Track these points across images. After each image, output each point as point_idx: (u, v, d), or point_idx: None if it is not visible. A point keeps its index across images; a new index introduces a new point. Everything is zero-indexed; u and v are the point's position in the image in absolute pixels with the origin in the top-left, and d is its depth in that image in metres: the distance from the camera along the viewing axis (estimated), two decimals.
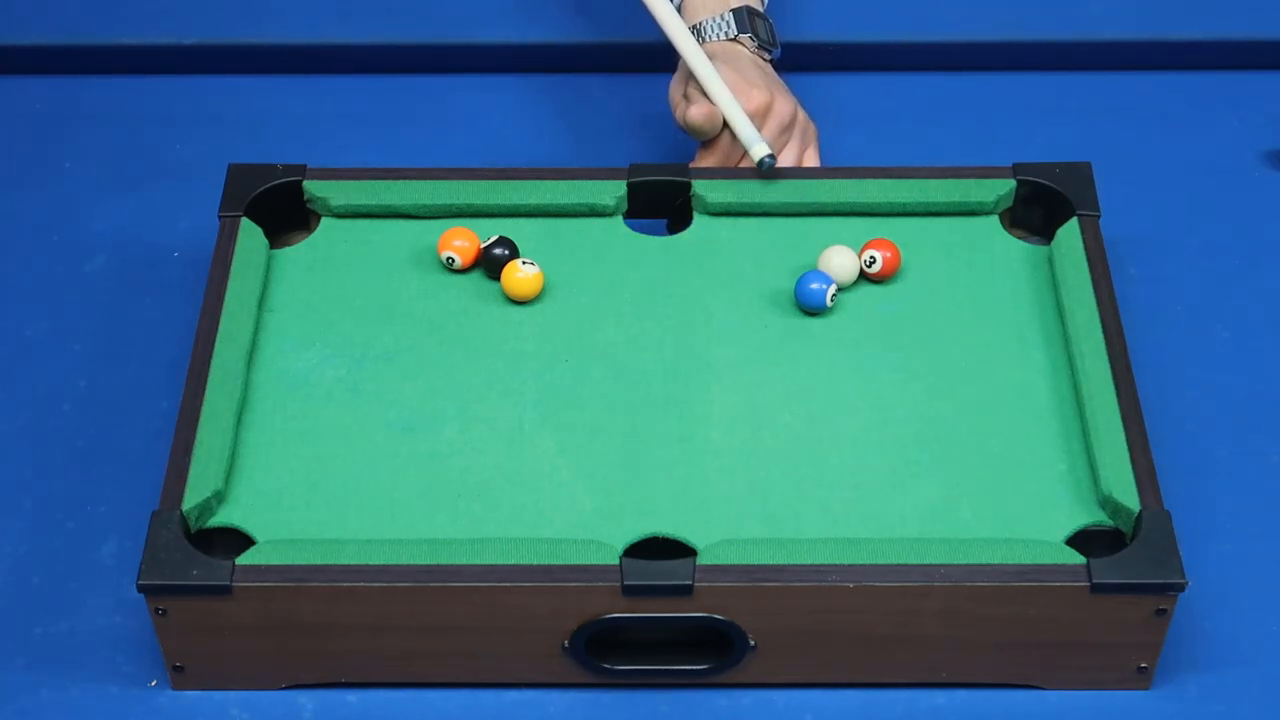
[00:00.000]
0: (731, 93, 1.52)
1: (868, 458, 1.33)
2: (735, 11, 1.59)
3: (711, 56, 1.55)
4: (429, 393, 1.37)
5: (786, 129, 1.55)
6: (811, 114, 1.59)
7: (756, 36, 1.59)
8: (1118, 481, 1.29)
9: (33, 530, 1.40)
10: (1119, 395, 1.34)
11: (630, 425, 1.35)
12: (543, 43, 1.75)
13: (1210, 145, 1.70)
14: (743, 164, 1.54)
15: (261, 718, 1.29)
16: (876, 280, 1.44)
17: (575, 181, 1.50)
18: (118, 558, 1.37)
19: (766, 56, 1.60)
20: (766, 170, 1.48)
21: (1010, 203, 1.50)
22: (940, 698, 1.30)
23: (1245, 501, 1.42)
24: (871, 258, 1.43)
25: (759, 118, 1.52)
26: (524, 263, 1.42)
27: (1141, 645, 1.27)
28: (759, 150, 1.48)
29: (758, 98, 1.53)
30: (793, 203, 1.49)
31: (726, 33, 1.58)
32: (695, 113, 1.52)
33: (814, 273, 1.41)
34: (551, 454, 1.33)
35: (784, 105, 1.55)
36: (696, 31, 1.57)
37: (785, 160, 1.55)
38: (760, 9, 1.62)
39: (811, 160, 1.57)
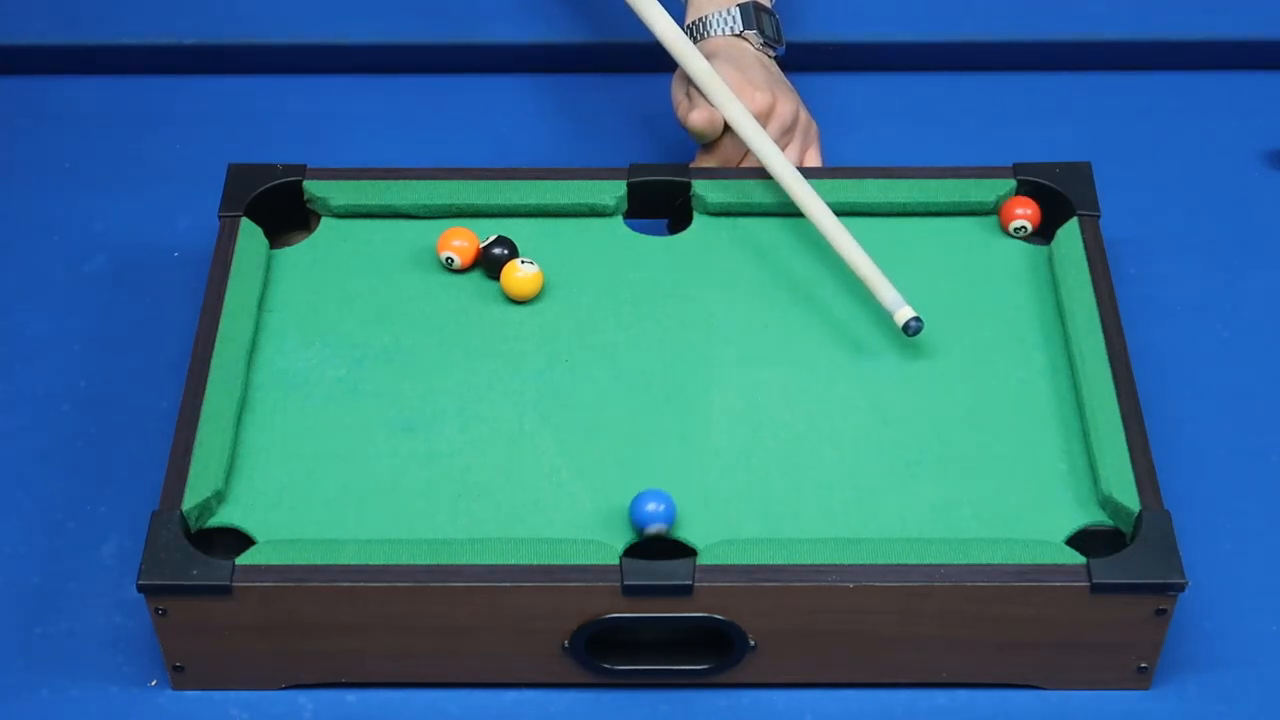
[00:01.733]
0: (735, 93, 1.51)
1: (868, 458, 1.33)
2: (741, 6, 1.58)
3: (714, 53, 1.55)
4: (429, 393, 1.37)
5: (789, 130, 1.54)
6: (812, 114, 1.58)
7: (762, 33, 1.58)
8: (1118, 481, 1.29)
9: (33, 530, 1.40)
10: (1119, 395, 1.34)
11: (630, 425, 1.35)
12: (543, 43, 1.75)
13: (1210, 145, 1.70)
14: (745, 163, 1.54)
15: (261, 718, 1.29)
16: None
17: (575, 181, 1.50)
18: (118, 558, 1.37)
19: (771, 53, 1.59)
20: (913, 333, 1.39)
21: None
22: (940, 698, 1.30)
23: (1245, 501, 1.42)
24: (1020, 227, 1.46)
25: (762, 118, 1.52)
26: (523, 262, 1.42)
27: (1141, 645, 1.27)
28: (903, 315, 1.38)
29: (760, 100, 1.53)
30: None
31: (732, 28, 1.57)
32: (696, 118, 1.51)
33: (652, 493, 1.29)
34: (551, 454, 1.33)
35: (786, 106, 1.54)
36: (701, 24, 1.57)
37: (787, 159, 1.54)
38: (767, 4, 1.61)
39: (813, 160, 1.57)
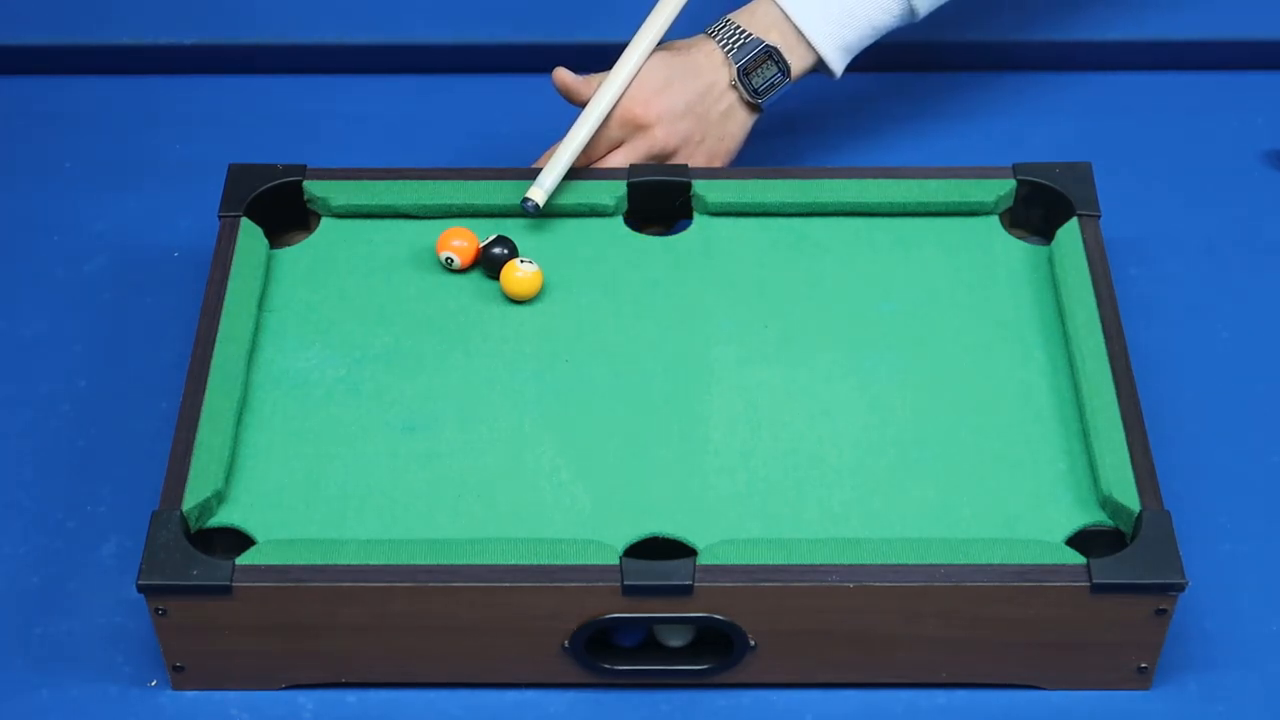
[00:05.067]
0: (624, 87, 1.48)
1: (868, 458, 1.33)
2: (763, 44, 1.50)
3: (679, 50, 1.51)
4: (429, 393, 1.37)
5: (654, 159, 1.50)
6: (811, 113, 1.58)
7: (747, 77, 1.50)
8: (1118, 481, 1.29)
9: (33, 530, 1.40)
10: (1119, 395, 1.34)
11: (630, 425, 1.35)
12: (543, 43, 1.75)
13: (1210, 145, 1.70)
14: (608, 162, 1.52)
15: (261, 718, 1.29)
16: None
17: (575, 181, 1.50)
18: (118, 558, 1.37)
19: (745, 98, 1.51)
20: (529, 211, 1.46)
21: (1010, 203, 1.50)
22: (940, 698, 1.30)
23: (1245, 501, 1.42)
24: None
25: (617, 125, 1.49)
26: (523, 262, 1.42)
27: (1141, 645, 1.27)
28: (531, 190, 1.45)
29: (636, 113, 1.49)
30: (793, 203, 1.49)
31: (726, 49, 1.50)
32: (560, 73, 1.51)
33: None
34: (551, 454, 1.33)
35: (666, 135, 1.50)
36: (723, 24, 1.51)
37: None
38: (799, 64, 1.51)
39: None
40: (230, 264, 1.43)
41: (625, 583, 1.23)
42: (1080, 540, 1.28)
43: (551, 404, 1.37)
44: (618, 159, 1.51)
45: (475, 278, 1.45)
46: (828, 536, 1.27)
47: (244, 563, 1.25)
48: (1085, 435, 1.33)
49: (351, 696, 1.30)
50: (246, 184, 1.49)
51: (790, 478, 1.32)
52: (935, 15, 1.56)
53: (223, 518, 1.29)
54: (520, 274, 1.42)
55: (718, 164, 1.53)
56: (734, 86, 1.51)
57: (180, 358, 1.40)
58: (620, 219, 1.50)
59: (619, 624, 1.26)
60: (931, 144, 1.69)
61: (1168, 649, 1.29)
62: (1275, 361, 1.51)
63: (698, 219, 1.50)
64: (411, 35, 1.77)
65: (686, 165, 1.51)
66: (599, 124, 1.49)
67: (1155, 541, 1.25)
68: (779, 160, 1.64)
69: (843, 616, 1.25)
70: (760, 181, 1.50)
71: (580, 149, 1.48)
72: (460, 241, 1.44)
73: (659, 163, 1.51)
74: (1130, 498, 1.28)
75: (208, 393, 1.34)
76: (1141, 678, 1.29)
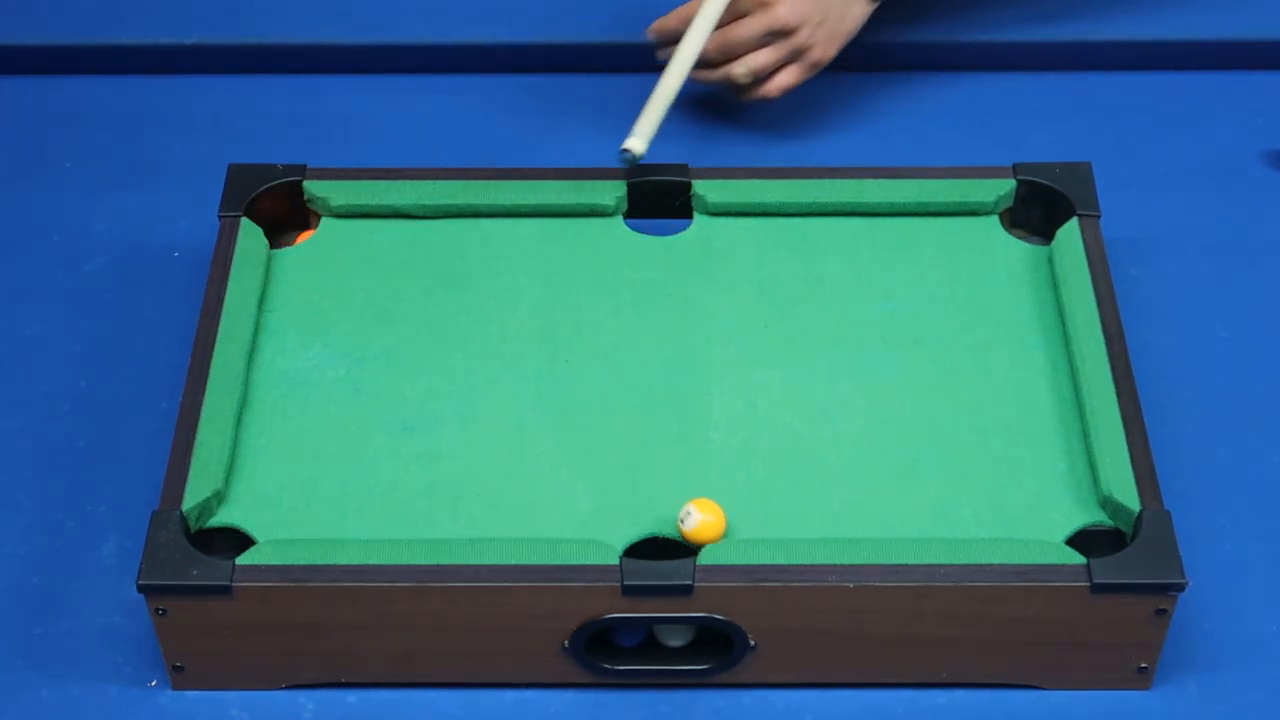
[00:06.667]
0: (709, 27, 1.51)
1: (868, 458, 1.33)
2: None
3: None
4: (429, 393, 1.37)
5: (774, 34, 1.53)
6: (811, 113, 1.58)
7: None
8: (1118, 481, 1.29)
9: (33, 530, 1.40)
10: (1119, 395, 1.34)
11: (630, 425, 1.35)
12: (542, 43, 1.75)
13: (1210, 145, 1.70)
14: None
15: (261, 718, 1.29)
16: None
17: (575, 181, 1.50)
18: (118, 558, 1.37)
19: None
20: (628, 163, 1.48)
21: (1010, 203, 1.50)
22: (940, 698, 1.30)
23: (1245, 501, 1.41)
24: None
25: (752, 3, 1.53)
26: (700, 512, 1.29)
27: (1141, 645, 1.27)
28: (629, 142, 1.47)
29: None
30: (793, 203, 1.49)
31: None
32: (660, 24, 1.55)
33: None
34: (551, 454, 1.33)
35: (788, 12, 1.54)
36: None
37: (751, 64, 1.55)
38: None
39: (785, 79, 1.57)
40: (230, 264, 1.43)
41: (625, 583, 1.23)
42: (1080, 540, 1.28)
43: (551, 404, 1.37)
44: (740, 31, 1.54)
45: (475, 279, 1.45)
46: (828, 536, 1.27)
47: (244, 563, 1.25)
48: (1085, 435, 1.33)
49: (351, 696, 1.30)
50: (246, 184, 1.49)
51: (790, 478, 1.32)
52: None
53: (223, 518, 1.29)
54: (704, 522, 1.29)
55: (834, 47, 1.56)
56: None
57: (180, 358, 1.40)
58: (620, 219, 1.50)
59: (619, 624, 1.26)
60: (931, 144, 1.69)
61: (1168, 649, 1.29)
62: (1275, 361, 1.51)
63: (698, 219, 1.50)
64: (411, 35, 1.77)
65: (687, 165, 1.51)
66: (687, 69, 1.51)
67: (1155, 541, 1.25)
68: (779, 160, 1.64)
69: (843, 616, 1.25)
70: (760, 181, 1.50)
71: (674, 93, 1.50)
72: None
73: (779, 40, 1.53)
74: (1130, 498, 1.28)
75: (208, 393, 1.34)
76: (1141, 678, 1.29)
